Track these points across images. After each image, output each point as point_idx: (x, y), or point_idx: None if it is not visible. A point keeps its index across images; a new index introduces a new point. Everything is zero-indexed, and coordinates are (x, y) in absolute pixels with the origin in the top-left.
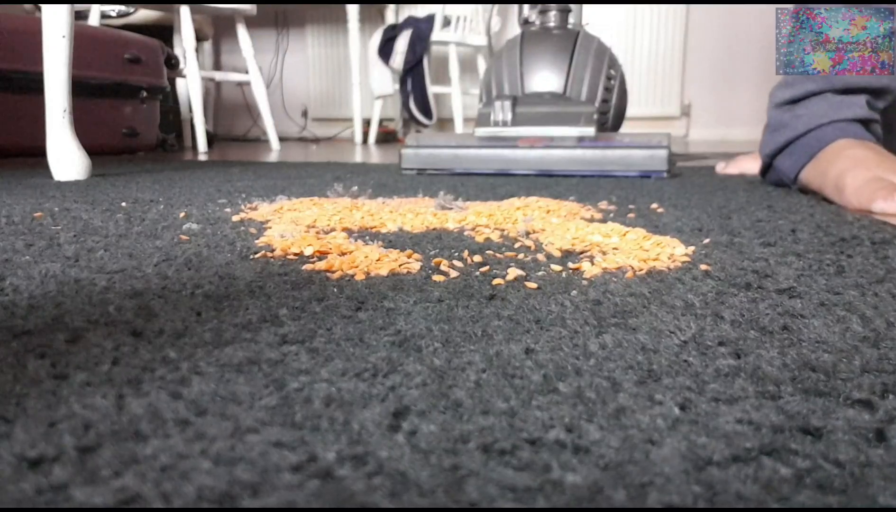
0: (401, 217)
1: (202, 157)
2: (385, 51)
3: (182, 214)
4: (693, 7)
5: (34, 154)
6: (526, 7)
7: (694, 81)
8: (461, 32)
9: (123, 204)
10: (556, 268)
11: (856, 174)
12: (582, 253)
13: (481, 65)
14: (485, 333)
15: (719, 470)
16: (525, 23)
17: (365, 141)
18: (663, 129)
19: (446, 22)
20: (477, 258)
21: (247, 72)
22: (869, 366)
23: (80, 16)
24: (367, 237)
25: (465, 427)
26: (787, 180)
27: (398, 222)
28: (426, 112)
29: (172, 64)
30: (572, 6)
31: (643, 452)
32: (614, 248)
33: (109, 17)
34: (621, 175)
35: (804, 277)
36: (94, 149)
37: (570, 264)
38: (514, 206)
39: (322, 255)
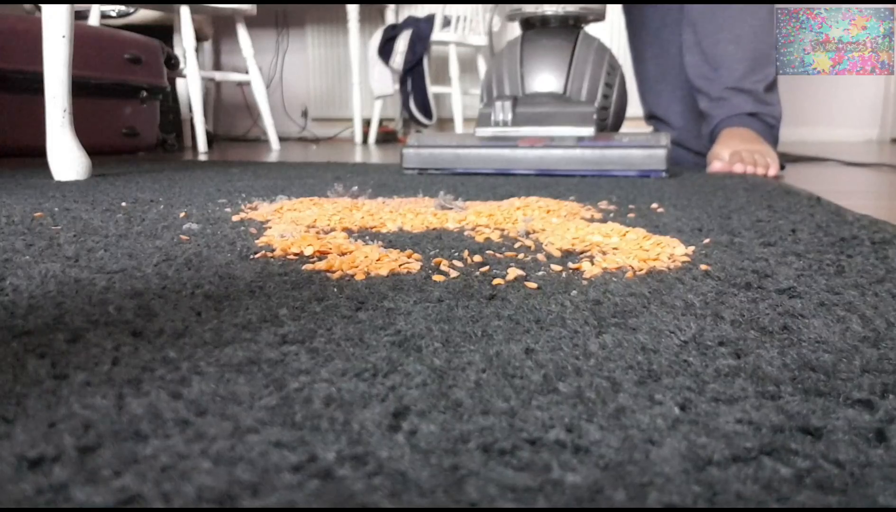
0: (401, 217)
1: (202, 157)
2: (385, 51)
3: (182, 214)
4: None
5: (34, 154)
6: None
7: None
8: (461, 32)
9: (123, 204)
10: (556, 268)
11: (712, 150)
12: (582, 253)
13: (481, 65)
14: (485, 333)
15: (719, 470)
16: (525, 22)
17: (365, 141)
18: None
19: (446, 22)
20: (477, 258)
21: (247, 72)
22: (869, 366)
23: (80, 16)
24: (367, 237)
25: (465, 427)
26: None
27: (398, 222)
28: (426, 112)
29: (172, 64)
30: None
31: (643, 452)
32: (614, 249)
33: (109, 17)
34: (621, 175)
35: (804, 277)
36: (94, 149)
37: (570, 264)
38: (514, 206)
39: (322, 255)
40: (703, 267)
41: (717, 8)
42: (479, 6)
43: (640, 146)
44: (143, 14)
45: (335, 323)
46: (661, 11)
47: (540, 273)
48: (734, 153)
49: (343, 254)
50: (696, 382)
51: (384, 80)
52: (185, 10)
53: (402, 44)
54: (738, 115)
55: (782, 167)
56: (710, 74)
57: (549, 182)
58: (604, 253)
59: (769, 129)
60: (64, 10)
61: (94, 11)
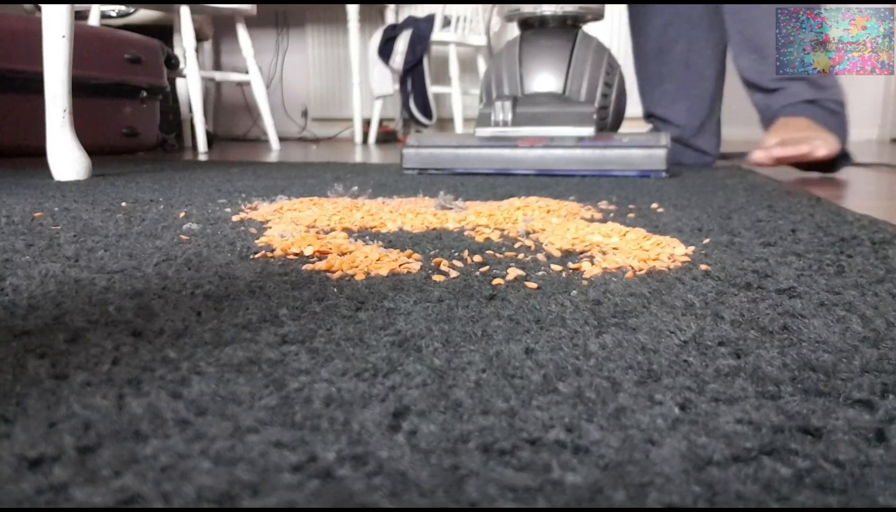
0: (401, 217)
1: (202, 157)
2: (385, 51)
3: (182, 214)
4: None
5: (34, 154)
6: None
7: None
8: (461, 32)
9: (123, 204)
10: (556, 268)
11: (764, 137)
12: (582, 253)
13: (481, 65)
14: (485, 333)
15: (719, 470)
16: (523, 22)
17: (365, 141)
18: None
19: (446, 22)
20: (477, 258)
21: (247, 72)
22: (869, 366)
23: (80, 16)
24: (367, 237)
25: (465, 427)
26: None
27: (398, 222)
28: (426, 112)
29: (172, 64)
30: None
31: (643, 452)
32: (614, 248)
33: (109, 17)
34: (620, 175)
35: (804, 277)
36: (94, 149)
37: (570, 264)
38: (514, 206)
39: (322, 255)
40: (703, 267)
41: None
42: (479, 6)
43: (640, 146)
44: (143, 14)
45: (335, 323)
46: (666, 10)
47: (540, 273)
48: (781, 141)
49: (343, 254)
50: (696, 382)
51: (384, 80)
52: (185, 10)
53: (402, 44)
54: (794, 104)
55: (845, 159)
56: (760, 66)
57: (549, 182)
58: (604, 253)
59: (832, 115)
60: (64, 10)
61: (94, 11)
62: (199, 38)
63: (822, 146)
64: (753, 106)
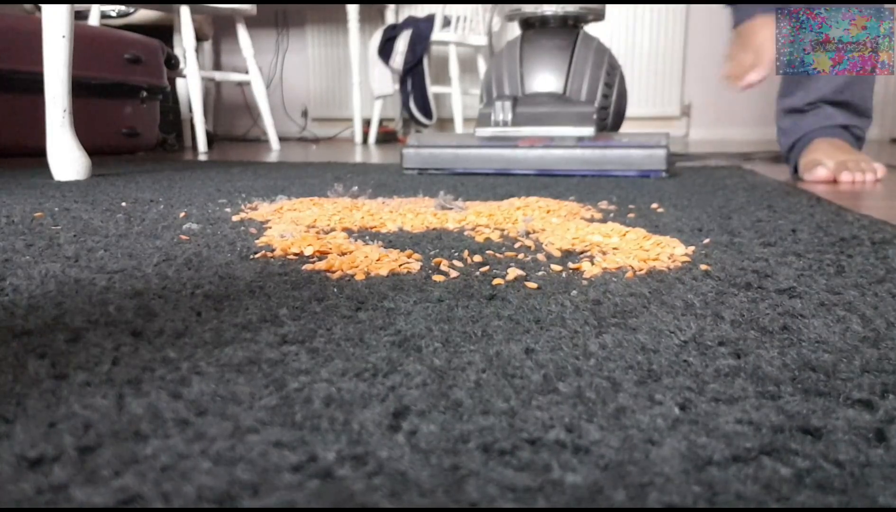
0: (401, 217)
1: (202, 157)
2: (385, 51)
3: (182, 214)
4: (693, 7)
5: (34, 154)
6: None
7: (694, 81)
8: (461, 32)
9: (123, 204)
10: (556, 268)
11: (807, 158)
12: (582, 253)
13: (481, 65)
14: (485, 333)
15: (719, 470)
16: (524, 22)
17: (365, 141)
18: (663, 129)
19: (446, 22)
20: (477, 258)
21: (247, 72)
22: (869, 366)
23: (80, 16)
24: (367, 237)
25: (465, 427)
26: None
27: (398, 222)
28: (426, 112)
29: (172, 64)
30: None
31: (643, 452)
32: (614, 249)
33: (109, 17)
34: (620, 175)
35: (804, 277)
36: (94, 149)
37: (570, 264)
38: (514, 206)
39: (322, 255)
40: (703, 267)
41: None
42: (479, 6)
43: (640, 146)
44: (143, 14)
45: (335, 323)
46: None
47: (540, 273)
48: (839, 163)
49: (343, 254)
50: (696, 382)
51: (384, 80)
52: (185, 10)
53: (402, 44)
54: (831, 127)
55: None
56: (803, 81)
57: (549, 182)
58: (604, 253)
59: (857, 142)
60: (64, 10)
61: (94, 11)
62: (199, 38)
63: (879, 171)
64: (778, 124)
